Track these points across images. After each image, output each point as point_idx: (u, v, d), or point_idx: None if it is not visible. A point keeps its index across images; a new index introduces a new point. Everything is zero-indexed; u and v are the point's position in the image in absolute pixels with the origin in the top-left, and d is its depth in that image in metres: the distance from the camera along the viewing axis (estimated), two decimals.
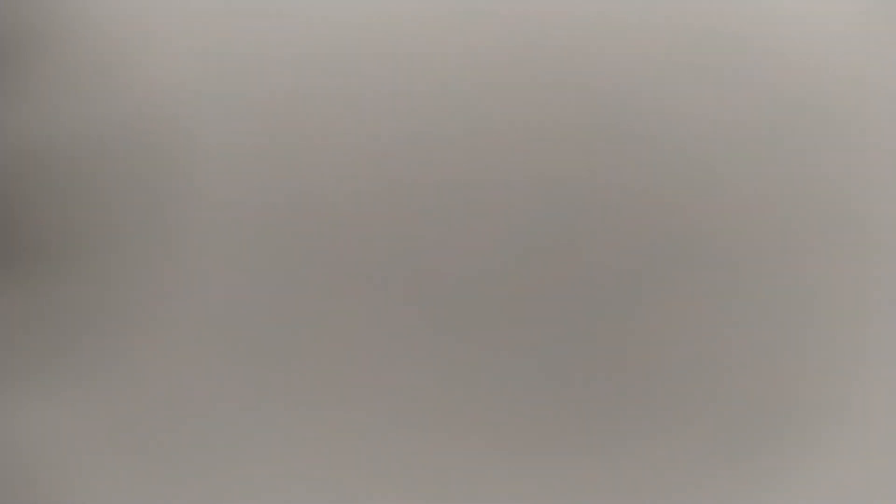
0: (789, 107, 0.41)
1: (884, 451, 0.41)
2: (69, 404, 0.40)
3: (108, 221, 0.40)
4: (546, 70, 0.40)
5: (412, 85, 0.40)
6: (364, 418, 0.40)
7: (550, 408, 0.40)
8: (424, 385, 0.40)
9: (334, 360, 0.40)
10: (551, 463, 0.40)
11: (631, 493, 0.41)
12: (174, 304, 0.40)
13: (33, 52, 0.41)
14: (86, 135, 0.40)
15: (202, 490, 0.40)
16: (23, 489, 0.41)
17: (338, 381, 0.40)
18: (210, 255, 0.40)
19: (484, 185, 0.40)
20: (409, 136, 0.40)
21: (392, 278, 0.40)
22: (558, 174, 0.40)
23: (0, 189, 0.40)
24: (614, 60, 0.41)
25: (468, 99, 0.40)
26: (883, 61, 0.42)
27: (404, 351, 0.40)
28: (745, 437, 0.41)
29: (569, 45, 0.41)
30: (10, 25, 0.41)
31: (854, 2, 0.42)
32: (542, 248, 0.40)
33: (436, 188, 0.40)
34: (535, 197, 0.40)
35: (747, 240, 0.41)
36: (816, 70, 0.41)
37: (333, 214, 0.40)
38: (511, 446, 0.40)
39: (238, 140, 0.40)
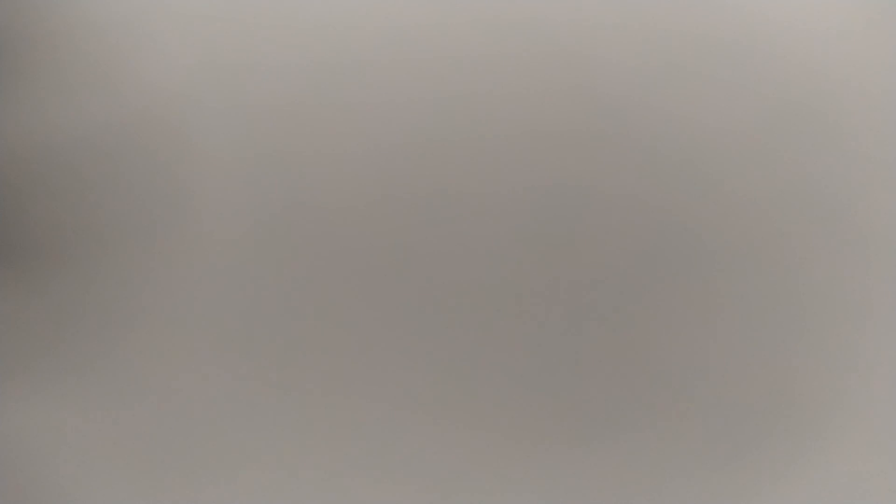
0: (788, 109, 0.41)
1: (884, 450, 0.41)
2: (68, 404, 0.40)
3: (106, 222, 0.40)
4: (545, 75, 0.40)
5: (411, 90, 0.40)
6: (364, 419, 0.40)
7: (550, 407, 0.40)
8: (423, 385, 0.40)
9: (333, 361, 0.40)
10: (552, 461, 0.40)
11: (630, 492, 0.41)
12: (173, 305, 0.40)
13: (33, 52, 0.41)
14: (84, 136, 0.40)
15: (202, 489, 0.40)
16: (23, 489, 0.41)
17: (337, 382, 0.40)
18: (208, 256, 0.40)
19: (483, 190, 0.40)
20: (407, 140, 0.40)
21: (391, 280, 0.40)
22: (557, 178, 0.40)
23: (0, 189, 0.40)
24: (613, 65, 0.41)
25: (467, 104, 0.40)
26: (883, 62, 0.42)
27: (403, 351, 0.40)
28: (744, 436, 0.41)
29: (568, 50, 0.41)
30: (10, 25, 0.41)
31: (854, 2, 0.42)
32: (542, 251, 0.40)
33: (434, 192, 0.40)
34: (534, 201, 0.40)
35: (746, 240, 0.41)
36: (815, 72, 0.41)
37: (331, 217, 0.40)
38: (510, 445, 0.40)
39: (236, 143, 0.40)
